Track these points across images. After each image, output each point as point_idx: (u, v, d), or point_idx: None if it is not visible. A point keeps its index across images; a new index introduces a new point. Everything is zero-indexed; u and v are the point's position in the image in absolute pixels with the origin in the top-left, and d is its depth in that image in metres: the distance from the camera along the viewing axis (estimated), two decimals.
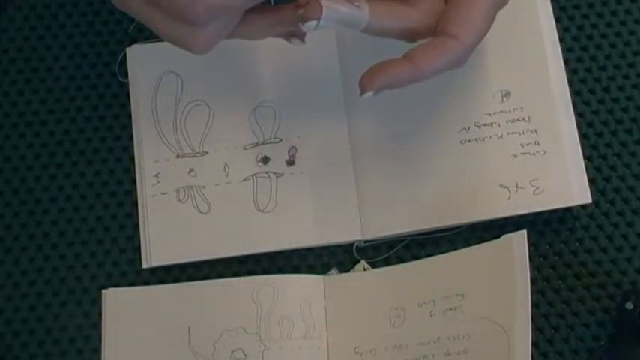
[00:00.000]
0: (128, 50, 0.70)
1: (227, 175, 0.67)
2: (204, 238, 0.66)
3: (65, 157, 0.69)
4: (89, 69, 0.71)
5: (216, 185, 0.67)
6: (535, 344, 0.64)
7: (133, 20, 0.71)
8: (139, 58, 0.69)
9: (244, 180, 0.67)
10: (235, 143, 0.68)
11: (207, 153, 0.68)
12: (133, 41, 0.70)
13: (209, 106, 0.68)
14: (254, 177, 0.67)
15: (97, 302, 0.66)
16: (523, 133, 0.67)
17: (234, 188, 0.67)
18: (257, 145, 0.68)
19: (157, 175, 0.67)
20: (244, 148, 0.68)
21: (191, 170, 0.67)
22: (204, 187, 0.67)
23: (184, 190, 0.67)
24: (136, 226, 0.67)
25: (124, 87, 0.70)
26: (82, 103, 0.70)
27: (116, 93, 0.70)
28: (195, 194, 0.67)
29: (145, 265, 0.66)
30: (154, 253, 0.66)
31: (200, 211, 0.67)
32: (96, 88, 0.70)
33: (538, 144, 0.66)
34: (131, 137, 0.69)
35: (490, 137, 0.67)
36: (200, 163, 0.68)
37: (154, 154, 0.68)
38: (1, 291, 0.67)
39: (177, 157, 0.68)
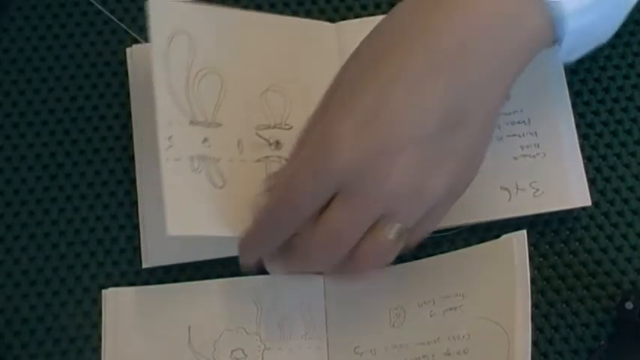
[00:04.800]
0: (128, 50, 0.70)
1: (241, 152, 0.65)
2: (218, 213, 0.63)
3: (65, 157, 0.69)
4: (90, 68, 0.71)
5: (231, 161, 0.65)
6: (535, 344, 0.64)
7: (133, 20, 0.71)
8: (139, 57, 0.69)
9: (258, 161, 0.65)
10: (248, 121, 0.66)
11: (220, 125, 0.65)
12: (134, 41, 0.70)
13: (221, 77, 0.66)
14: (267, 159, 0.66)
15: (97, 302, 0.66)
16: (523, 135, 0.67)
17: (248, 167, 0.65)
18: (269, 127, 0.67)
19: (170, 138, 0.63)
20: (257, 128, 0.66)
21: (205, 140, 0.64)
22: (219, 161, 0.64)
23: (198, 160, 0.64)
24: (136, 226, 0.67)
25: (124, 87, 0.70)
26: (82, 103, 0.70)
27: (116, 93, 0.70)
28: (210, 166, 0.64)
29: (145, 265, 0.66)
30: (154, 253, 0.66)
31: (215, 185, 0.64)
32: (96, 88, 0.70)
33: (538, 146, 0.66)
34: (131, 137, 0.68)
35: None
36: (214, 135, 0.65)
37: (168, 115, 0.63)
38: (1, 291, 0.67)
39: (191, 123, 0.64)
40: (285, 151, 0.66)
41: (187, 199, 0.63)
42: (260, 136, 0.66)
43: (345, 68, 0.59)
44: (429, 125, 0.55)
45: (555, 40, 0.58)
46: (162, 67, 0.64)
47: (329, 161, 0.55)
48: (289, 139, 0.66)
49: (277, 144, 0.67)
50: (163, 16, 0.65)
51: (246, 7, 0.72)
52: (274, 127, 0.67)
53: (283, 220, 0.58)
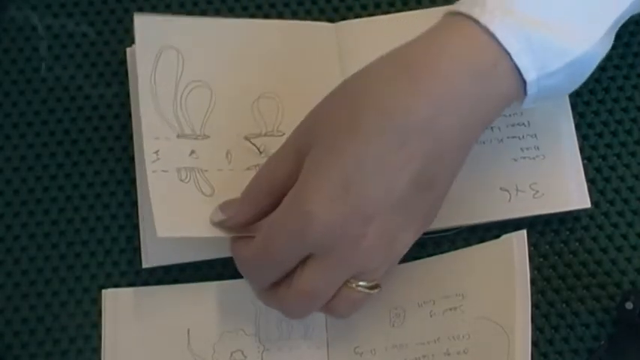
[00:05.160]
0: (128, 50, 0.70)
1: (230, 162, 0.66)
2: (208, 215, 0.63)
3: (65, 157, 0.69)
4: (90, 68, 0.71)
5: (219, 170, 0.65)
6: (535, 344, 0.64)
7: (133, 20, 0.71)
8: None
9: (247, 169, 0.66)
10: (238, 131, 0.66)
11: (208, 137, 0.66)
12: (134, 41, 0.70)
13: (211, 89, 0.67)
14: (257, 168, 0.65)
15: (97, 302, 0.66)
16: (523, 137, 0.67)
17: (237, 176, 0.65)
18: (260, 135, 0.67)
19: (156, 152, 0.64)
20: (246, 138, 0.67)
21: (192, 152, 0.65)
22: (207, 171, 0.65)
23: (186, 171, 0.64)
24: (136, 226, 0.67)
25: (124, 87, 0.70)
26: (82, 103, 0.70)
27: (116, 93, 0.70)
28: (198, 176, 0.65)
29: (145, 265, 0.66)
30: (154, 253, 0.66)
31: (203, 193, 0.64)
32: (96, 88, 0.70)
33: (538, 148, 0.66)
34: (131, 137, 0.68)
35: (490, 140, 0.67)
36: (202, 147, 0.65)
37: (154, 131, 0.64)
38: (1, 291, 0.67)
39: (178, 136, 0.65)
40: None
41: (175, 204, 0.63)
42: (250, 144, 0.66)
43: (319, 114, 0.59)
44: (399, 192, 0.56)
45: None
46: (149, 84, 0.65)
47: (304, 229, 0.56)
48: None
49: (269, 152, 0.66)
50: (150, 33, 0.66)
51: (246, 7, 0.72)
52: (265, 134, 0.67)
53: (259, 275, 0.60)
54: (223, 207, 0.62)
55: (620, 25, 0.61)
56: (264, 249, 0.58)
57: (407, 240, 0.59)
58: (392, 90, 0.56)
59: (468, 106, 0.56)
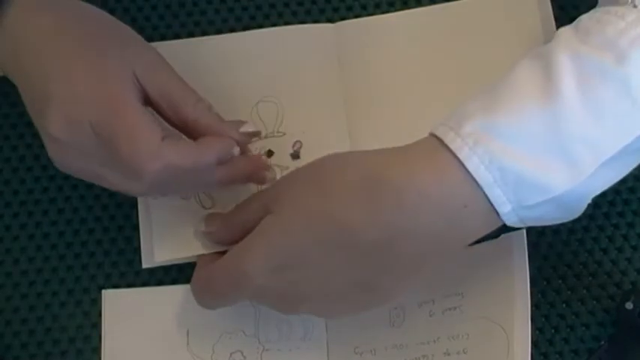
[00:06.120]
0: None
1: None
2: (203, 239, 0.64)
3: None
4: None
5: None
6: (535, 344, 0.64)
7: (133, 20, 0.71)
8: None
9: None
10: None
11: None
12: None
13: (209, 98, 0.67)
14: None
15: (96, 302, 0.66)
16: None
17: None
18: (260, 138, 0.66)
19: None
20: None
21: None
22: None
23: None
24: (136, 227, 0.67)
25: None
26: None
27: None
28: None
29: (144, 265, 0.66)
30: (154, 253, 0.65)
31: (204, 206, 0.65)
32: None
33: None
34: None
35: None
36: None
37: None
38: (1, 291, 0.67)
39: None
40: (278, 159, 0.66)
41: (174, 226, 0.64)
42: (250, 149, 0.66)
43: (295, 180, 0.59)
44: (337, 288, 0.57)
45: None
46: None
47: (239, 283, 0.57)
48: (282, 146, 0.66)
49: (269, 153, 0.66)
50: None
51: (246, 7, 0.72)
52: (266, 137, 0.67)
53: (201, 297, 0.61)
54: (207, 221, 0.63)
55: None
56: (207, 282, 0.59)
57: (340, 314, 0.61)
58: (354, 207, 0.54)
59: (432, 237, 0.54)
